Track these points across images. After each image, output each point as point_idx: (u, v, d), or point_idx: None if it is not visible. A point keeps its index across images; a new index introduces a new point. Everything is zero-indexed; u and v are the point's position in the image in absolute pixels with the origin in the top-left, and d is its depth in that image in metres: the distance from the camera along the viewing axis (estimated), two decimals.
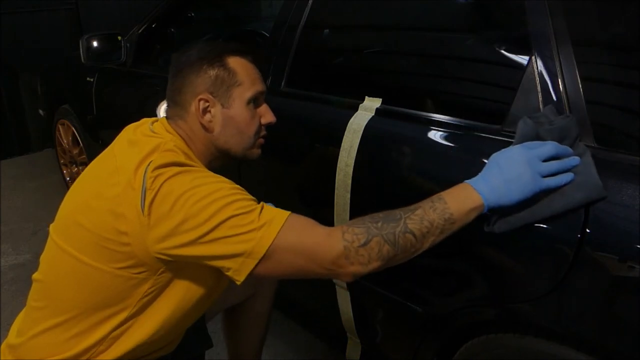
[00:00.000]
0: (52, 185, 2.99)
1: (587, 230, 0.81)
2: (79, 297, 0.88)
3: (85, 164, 2.53)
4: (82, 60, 1.98)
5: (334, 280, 1.26)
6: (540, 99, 0.90)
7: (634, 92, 0.92)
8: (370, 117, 1.13)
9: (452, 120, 1.04)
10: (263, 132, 1.02)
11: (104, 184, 0.87)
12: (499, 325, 1.00)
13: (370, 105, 1.16)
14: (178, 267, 0.87)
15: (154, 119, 1.00)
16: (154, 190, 0.80)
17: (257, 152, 1.02)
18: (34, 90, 3.11)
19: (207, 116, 0.95)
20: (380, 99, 1.15)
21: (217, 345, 1.46)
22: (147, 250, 0.82)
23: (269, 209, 0.82)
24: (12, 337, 0.96)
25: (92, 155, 2.38)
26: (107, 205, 0.84)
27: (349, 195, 1.14)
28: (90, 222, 0.86)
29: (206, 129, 0.95)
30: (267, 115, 1.01)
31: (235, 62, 0.96)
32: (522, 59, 0.96)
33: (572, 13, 0.91)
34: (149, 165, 0.83)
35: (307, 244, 0.79)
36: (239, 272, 0.80)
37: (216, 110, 0.95)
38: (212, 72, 0.94)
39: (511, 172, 0.78)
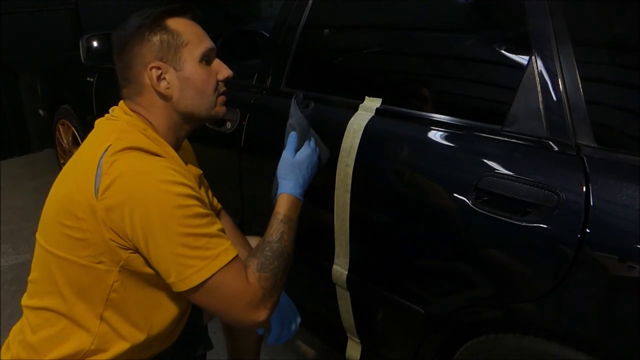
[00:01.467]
0: (52, 185, 2.99)
1: (587, 230, 0.81)
2: (58, 291, 0.89)
3: None
4: (82, 60, 1.98)
5: (334, 280, 1.26)
6: (540, 99, 0.90)
7: (634, 92, 0.92)
8: (370, 117, 1.13)
9: (452, 120, 1.04)
10: (223, 89, 1.00)
11: (67, 176, 0.90)
12: (499, 325, 1.00)
13: (370, 105, 1.16)
14: (136, 262, 0.86)
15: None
16: (111, 175, 0.80)
17: (221, 110, 1.01)
18: (34, 90, 3.11)
19: (163, 83, 0.92)
20: (380, 99, 1.15)
21: (217, 345, 1.45)
22: (102, 236, 0.82)
23: (219, 240, 0.83)
24: (12, 339, 0.97)
25: None
26: (65, 192, 0.86)
27: (349, 195, 1.14)
28: (54, 213, 0.87)
29: (164, 96, 0.93)
30: (222, 71, 0.98)
31: (176, 23, 0.93)
32: (522, 59, 0.96)
33: (572, 13, 0.91)
34: (107, 149, 0.82)
35: (233, 289, 0.82)
36: (175, 285, 0.82)
37: (170, 75, 0.92)
38: (156, 38, 0.91)
39: (310, 167, 1.04)
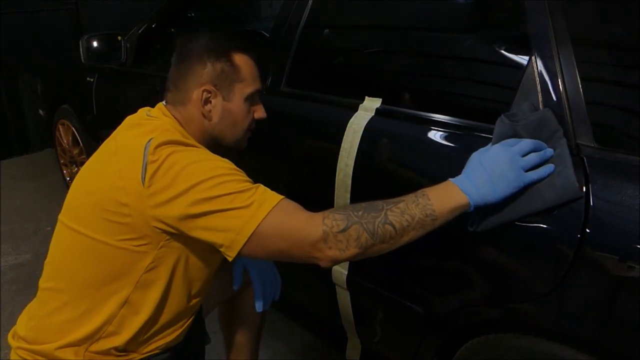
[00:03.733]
0: (52, 185, 2.99)
1: (587, 230, 0.81)
2: (84, 272, 0.92)
3: None
4: (82, 60, 1.97)
5: (334, 280, 1.26)
6: (540, 99, 0.90)
7: (634, 92, 0.92)
8: (370, 117, 1.14)
9: (452, 120, 1.04)
10: (254, 126, 1.08)
11: (105, 164, 0.94)
12: (499, 325, 1.00)
13: (370, 105, 1.16)
14: (178, 242, 0.90)
15: (148, 107, 1.06)
16: (157, 163, 0.85)
17: (245, 143, 1.09)
18: (34, 90, 3.11)
19: (208, 106, 1.00)
20: (380, 99, 1.15)
21: (217, 345, 1.46)
22: (147, 221, 0.86)
23: (263, 191, 0.86)
24: (20, 326, 0.99)
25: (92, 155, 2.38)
26: (108, 181, 0.89)
27: (349, 195, 1.14)
28: (93, 199, 0.91)
29: (204, 117, 1.00)
30: (259, 111, 1.07)
31: (240, 59, 1.01)
32: (522, 59, 0.96)
33: (572, 13, 0.91)
34: (149, 141, 0.88)
35: (289, 228, 0.82)
36: (230, 248, 0.84)
37: (217, 102, 1.00)
38: (218, 66, 0.98)
39: (495, 170, 0.81)
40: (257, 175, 1.45)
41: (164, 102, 1.04)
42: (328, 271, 1.26)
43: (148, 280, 0.92)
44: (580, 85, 0.87)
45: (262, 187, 0.88)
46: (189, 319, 1.05)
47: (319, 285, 1.34)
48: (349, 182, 1.13)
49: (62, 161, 2.78)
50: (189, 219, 0.84)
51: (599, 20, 0.96)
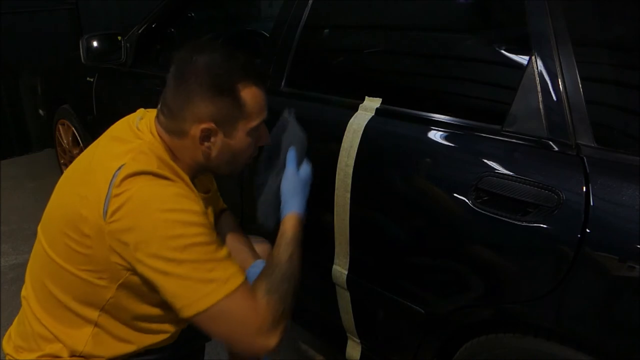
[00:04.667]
0: (52, 185, 2.97)
1: (587, 230, 0.81)
2: (53, 292, 0.90)
3: None
4: (82, 60, 1.97)
5: (334, 280, 1.26)
6: (540, 99, 0.90)
7: (634, 92, 0.92)
8: (370, 117, 1.13)
9: (452, 120, 1.04)
10: (255, 153, 1.01)
11: (78, 182, 0.89)
12: (499, 325, 1.00)
13: (370, 105, 1.16)
14: (139, 279, 0.85)
15: (143, 111, 0.99)
16: (121, 198, 0.79)
17: (240, 170, 1.02)
18: (34, 90, 3.11)
19: (207, 143, 0.90)
20: (380, 99, 1.15)
21: (217, 345, 1.46)
22: (107, 256, 0.82)
23: (227, 267, 0.82)
24: (12, 331, 0.99)
25: None
26: (75, 204, 0.84)
27: (349, 195, 1.14)
28: (61, 220, 0.87)
29: (202, 153, 0.92)
30: (264, 138, 0.99)
31: (246, 93, 0.89)
32: (522, 59, 0.96)
33: (572, 13, 0.91)
34: (119, 169, 0.81)
35: (241, 312, 0.80)
36: (178, 311, 0.80)
37: (217, 139, 0.91)
38: (221, 103, 0.87)
39: (309, 183, 1.04)
40: (256, 176, 1.45)
41: (155, 118, 0.94)
42: (328, 271, 1.26)
43: (112, 311, 0.89)
44: (580, 85, 0.87)
45: (227, 260, 0.82)
46: (175, 330, 1.01)
47: (319, 285, 1.34)
48: (349, 182, 1.13)
49: (62, 161, 2.78)
50: (145, 267, 0.79)
51: (599, 20, 0.96)
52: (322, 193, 1.20)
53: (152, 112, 0.97)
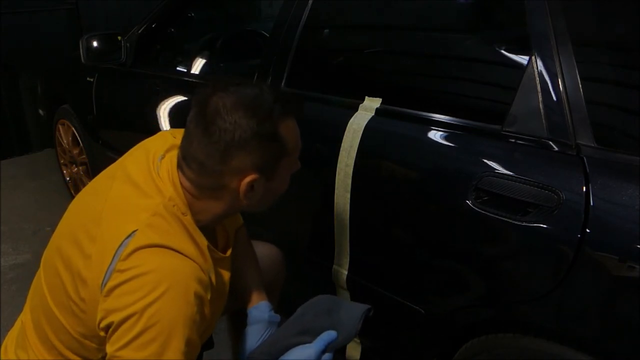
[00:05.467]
0: (52, 185, 2.99)
1: (587, 230, 0.81)
2: (48, 335, 0.85)
3: (85, 164, 2.53)
4: (82, 60, 1.97)
5: (334, 280, 1.26)
6: (540, 99, 0.90)
7: (634, 92, 0.92)
8: (370, 117, 1.13)
9: (452, 120, 1.04)
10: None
11: (85, 230, 0.81)
12: (499, 325, 1.00)
13: (370, 105, 1.16)
14: None
15: (169, 139, 0.90)
16: (124, 276, 0.72)
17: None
18: (34, 90, 3.11)
19: (250, 194, 0.81)
20: (380, 99, 1.15)
21: (217, 345, 1.45)
22: (98, 324, 0.75)
23: None
24: (9, 342, 0.96)
25: (92, 155, 2.38)
26: (78, 261, 0.78)
27: (349, 195, 1.14)
28: (62, 272, 0.81)
29: (242, 203, 0.83)
30: (296, 166, 0.88)
31: (286, 129, 0.80)
32: (522, 59, 0.96)
33: (572, 13, 0.91)
34: (130, 236, 0.74)
35: None
36: None
37: (259, 185, 0.81)
38: (265, 149, 0.78)
39: None
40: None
41: (178, 168, 0.83)
42: (328, 271, 1.26)
43: None
44: (580, 85, 0.87)
45: None
46: None
47: (319, 285, 1.34)
48: (349, 182, 1.13)
49: (62, 161, 2.77)
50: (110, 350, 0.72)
51: (599, 20, 0.96)
52: (322, 193, 1.20)
53: (174, 147, 0.86)
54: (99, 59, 2.01)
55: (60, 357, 0.85)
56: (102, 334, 0.75)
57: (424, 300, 1.10)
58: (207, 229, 0.86)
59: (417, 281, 1.12)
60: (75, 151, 2.58)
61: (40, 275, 0.88)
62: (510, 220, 0.89)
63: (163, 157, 0.86)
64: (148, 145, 0.90)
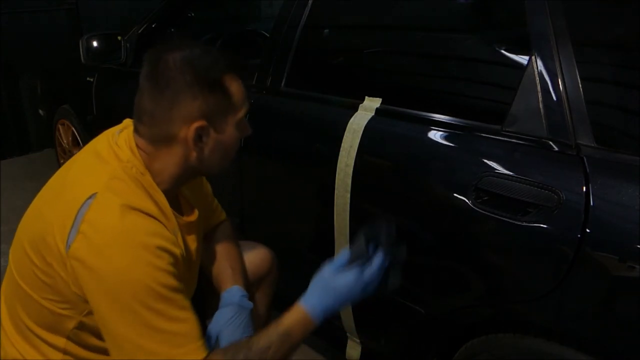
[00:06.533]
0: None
1: (587, 230, 0.81)
2: (21, 315, 0.87)
3: None
4: (82, 60, 1.98)
5: None
6: (540, 99, 0.91)
7: (634, 92, 0.92)
8: (370, 117, 1.13)
9: (452, 120, 1.04)
10: (239, 146, 0.95)
11: (47, 202, 0.85)
12: (499, 325, 1.00)
13: (370, 105, 1.16)
14: None
15: (128, 121, 0.93)
16: (85, 235, 0.75)
17: (228, 167, 0.96)
18: (34, 90, 3.11)
19: (200, 144, 0.85)
20: (380, 99, 1.15)
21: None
22: (68, 287, 0.78)
23: (185, 339, 0.78)
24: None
25: None
26: (40, 229, 0.81)
27: (349, 195, 1.14)
28: (27, 243, 0.84)
29: (193, 156, 0.86)
30: (246, 130, 0.93)
31: (232, 84, 0.85)
32: (522, 59, 0.96)
33: (572, 13, 0.91)
34: (90, 198, 0.77)
35: None
36: None
37: (209, 137, 0.85)
38: (212, 99, 0.82)
39: (344, 300, 0.88)
40: (257, 176, 1.45)
41: (134, 131, 0.87)
42: None
43: (78, 337, 0.85)
44: (580, 85, 0.87)
45: (182, 326, 0.78)
46: None
47: None
48: (349, 182, 1.13)
49: (62, 161, 2.78)
50: (97, 314, 0.76)
51: (599, 20, 0.96)
52: (322, 193, 1.20)
53: (129, 130, 0.91)
54: (99, 59, 2.01)
55: (35, 339, 0.87)
56: (75, 290, 0.77)
57: (424, 300, 1.10)
58: (169, 194, 0.89)
59: (417, 281, 1.12)
60: (75, 151, 2.58)
61: (10, 264, 0.90)
62: (510, 220, 0.89)
63: (121, 131, 0.90)
64: (107, 131, 0.94)
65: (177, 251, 0.81)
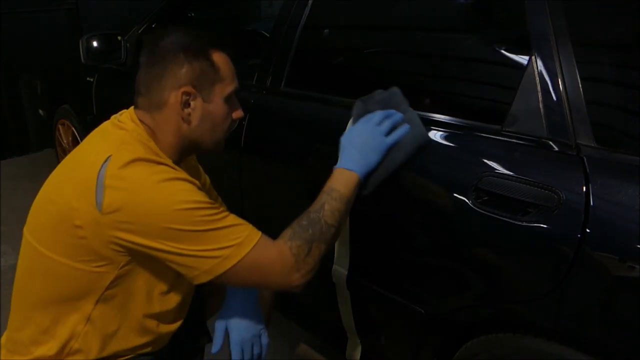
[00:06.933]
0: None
1: (587, 230, 0.81)
2: (46, 289, 0.90)
3: None
4: (82, 60, 1.97)
5: (334, 280, 1.26)
6: (540, 99, 0.91)
7: (634, 92, 0.92)
8: None
9: (452, 120, 1.04)
10: (234, 126, 1.02)
11: (65, 178, 0.90)
12: (499, 325, 1.00)
13: None
14: (140, 262, 0.88)
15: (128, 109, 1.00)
16: (116, 190, 0.81)
17: (224, 144, 1.03)
18: (34, 90, 3.11)
19: (187, 109, 0.92)
20: None
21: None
22: (105, 244, 0.83)
23: (238, 229, 0.86)
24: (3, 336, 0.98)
25: None
26: (64, 199, 0.85)
27: None
28: (50, 216, 0.88)
29: (183, 121, 0.93)
30: (238, 111, 1.01)
31: (219, 57, 0.94)
32: (522, 59, 0.96)
33: (572, 13, 0.91)
34: (107, 160, 0.83)
35: (264, 264, 0.86)
36: (196, 278, 0.86)
37: (196, 104, 0.93)
38: (197, 65, 0.91)
39: (363, 145, 0.99)
40: (257, 176, 1.45)
41: (134, 107, 0.96)
42: (328, 271, 1.26)
43: (110, 297, 0.89)
44: (580, 85, 0.87)
45: (234, 219, 0.87)
46: (169, 330, 1.00)
47: (319, 285, 1.34)
48: None
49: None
50: (157, 251, 0.83)
51: (599, 20, 0.96)
52: None
53: (129, 109, 0.99)
54: (99, 59, 2.01)
55: (61, 309, 0.90)
56: (113, 247, 0.83)
57: (424, 300, 1.10)
58: None
59: (417, 281, 1.12)
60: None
61: (28, 242, 0.93)
62: (510, 220, 0.89)
63: (122, 113, 0.98)
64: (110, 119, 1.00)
65: (198, 185, 0.89)
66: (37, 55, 3.34)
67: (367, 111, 1.04)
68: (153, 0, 2.12)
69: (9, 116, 3.58)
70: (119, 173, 0.82)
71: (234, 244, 0.84)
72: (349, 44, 1.52)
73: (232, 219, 0.87)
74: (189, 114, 0.93)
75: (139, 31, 1.99)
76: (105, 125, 0.96)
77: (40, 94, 3.00)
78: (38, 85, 3.01)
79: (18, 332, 0.93)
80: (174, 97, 0.91)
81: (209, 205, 0.85)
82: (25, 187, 3.04)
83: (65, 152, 2.70)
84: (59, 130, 2.69)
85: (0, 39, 3.30)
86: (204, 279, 0.85)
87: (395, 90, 1.06)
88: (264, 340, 1.06)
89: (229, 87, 0.96)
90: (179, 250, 0.82)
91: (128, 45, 1.97)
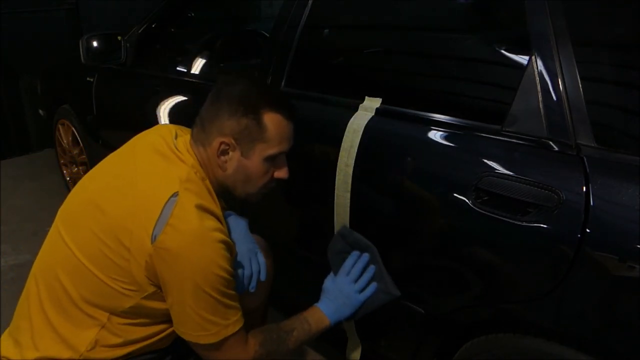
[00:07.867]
0: (52, 185, 2.99)
1: (587, 230, 0.81)
2: (67, 288, 0.92)
3: (85, 164, 2.53)
4: (82, 60, 1.97)
5: None
6: (540, 99, 0.91)
7: (634, 92, 0.92)
8: (370, 117, 1.13)
9: (452, 120, 1.04)
10: (272, 185, 1.05)
11: (120, 193, 0.92)
12: (499, 325, 1.00)
13: (370, 105, 1.16)
14: (160, 295, 0.92)
15: (174, 128, 1.04)
16: (175, 232, 0.85)
17: (258, 198, 1.06)
18: (34, 90, 3.11)
19: (224, 157, 0.97)
20: (380, 99, 1.15)
21: None
22: (141, 271, 0.88)
23: (233, 312, 0.93)
24: (7, 333, 0.99)
25: (92, 155, 2.38)
26: (118, 214, 0.88)
27: (349, 195, 1.14)
28: (96, 223, 0.90)
29: (219, 167, 0.98)
30: (281, 171, 1.04)
31: (270, 119, 0.96)
32: (522, 59, 0.96)
33: (572, 13, 0.91)
34: (174, 196, 0.87)
35: (230, 353, 0.94)
36: (183, 335, 0.93)
37: (234, 155, 0.98)
38: (244, 121, 0.95)
39: (339, 301, 1.10)
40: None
41: (191, 135, 1.02)
42: (328, 271, 1.26)
43: (124, 315, 0.93)
44: (580, 85, 0.87)
45: (235, 308, 0.93)
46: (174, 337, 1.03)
47: (319, 285, 1.34)
48: (349, 182, 1.13)
49: (62, 161, 2.77)
50: (170, 294, 0.88)
51: (599, 20, 0.96)
52: (322, 193, 1.20)
53: (181, 131, 1.05)
54: (99, 59, 2.01)
55: (75, 311, 0.93)
56: (147, 274, 0.88)
57: (424, 301, 1.10)
58: None
59: (417, 281, 1.12)
60: (75, 151, 2.58)
61: (60, 234, 0.95)
62: (510, 220, 0.89)
63: (177, 136, 1.02)
64: (154, 132, 1.04)
65: (231, 244, 0.94)
66: (37, 55, 3.34)
67: (344, 250, 1.15)
68: (153, 0, 2.12)
69: (9, 116, 3.58)
70: (183, 216, 0.86)
71: (224, 324, 0.90)
72: (349, 43, 1.52)
73: (234, 301, 0.93)
74: (225, 162, 0.98)
75: (139, 31, 1.99)
76: (159, 143, 0.99)
77: (40, 94, 3.00)
78: (38, 85, 3.01)
79: (28, 323, 0.94)
80: (216, 143, 0.96)
81: (231, 277, 0.90)
82: (25, 187, 3.04)
83: (65, 152, 2.70)
84: (59, 130, 2.69)
85: (0, 39, 3.29)
86: (182, 335, 0.92)
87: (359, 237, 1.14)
88: (261, 258, 1.08)
89: (272, 149, 0.98)
90: (188, 305, 0.87)
91: (128, 45, 1.96)
